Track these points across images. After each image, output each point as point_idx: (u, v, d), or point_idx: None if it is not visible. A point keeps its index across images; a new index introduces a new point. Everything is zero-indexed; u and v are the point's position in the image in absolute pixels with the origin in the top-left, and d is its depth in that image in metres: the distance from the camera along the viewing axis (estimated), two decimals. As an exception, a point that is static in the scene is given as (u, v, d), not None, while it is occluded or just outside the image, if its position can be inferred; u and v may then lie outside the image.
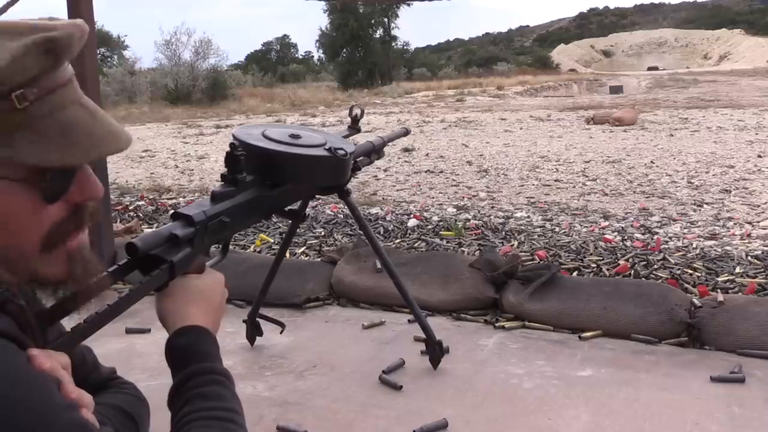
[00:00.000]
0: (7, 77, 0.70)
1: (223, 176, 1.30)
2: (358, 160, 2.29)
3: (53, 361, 0.75)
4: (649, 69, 73.80)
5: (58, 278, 0.81)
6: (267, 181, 1.55)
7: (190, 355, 0.94)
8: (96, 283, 0.85)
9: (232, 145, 1.32)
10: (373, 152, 2.43)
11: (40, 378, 0.70)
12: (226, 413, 0.89)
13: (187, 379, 0.92)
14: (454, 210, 5.80)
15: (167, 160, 10.13)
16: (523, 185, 7.15)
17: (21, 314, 0.76)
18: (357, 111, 2.37)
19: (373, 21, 48.58)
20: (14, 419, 0.64)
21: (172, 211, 1.14)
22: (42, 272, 0.79)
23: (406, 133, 2.85)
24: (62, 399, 0.72)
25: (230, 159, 1.29)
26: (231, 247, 1.31)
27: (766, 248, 4.17)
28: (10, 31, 0.73)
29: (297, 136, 1.81)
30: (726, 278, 3.42)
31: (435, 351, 2.51)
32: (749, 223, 5.06)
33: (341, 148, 1.87)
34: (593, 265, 3.72)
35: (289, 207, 1.83)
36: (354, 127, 2.36)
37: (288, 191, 1.67)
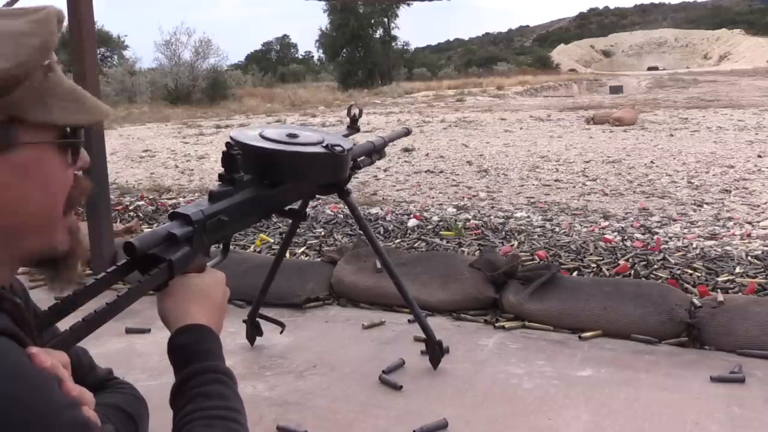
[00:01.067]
0: (51, 48, 0.76)
1: (220, 176, 1.30)
2: (359, 159, 2.30)
3: (54, 359, 0.75)
4: (649, 69, 73.77)
5: (65, 250, 0.84)
6: (265, 180, 1.55)
7: (192, 353, 0.94)
8: (76, 268, 0.88)
9: (228, 144, 1.32)
10: (374, 152, 2.43)
11: (40, 376, 0.69)
12: (227, 412, 0.88)
13: (189, 378, 0.91)
14: (454, 210, 5.80)
15: (167, 160, 10.13)
16: (523, 185, 7.15)
17: (17, 311, 0.76)
18: (355, 111, 2.37)
19: (373, 21, 48.55)
20: (14, 417, 0.63)
21: (170, 212, 1.13)
22: (57, 241, 0.83)
23: (407, 133, 2.85)
24: (63, 397, 0.71)
25: (227, 158, 1.29)
26: (231, 247, 1.31)
27: (766, 248, 4.17)
28: (13, 13, 0.78)
29: (294, 135, 1.82)
30: (726, 278, 3.42)
31: (435, 351, 2.51)
32: (749, 223, 5.06)
33: (338, 145, 1.88)
34: (593, 265, 3.72)
35: (289, 207, 1.83)
36: (353, 127, 2.37)
37: (287, 190, 1.68)
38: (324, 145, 1.85)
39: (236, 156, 1.29)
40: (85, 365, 1.03)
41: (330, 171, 1.95)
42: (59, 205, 0.81)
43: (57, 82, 0.78)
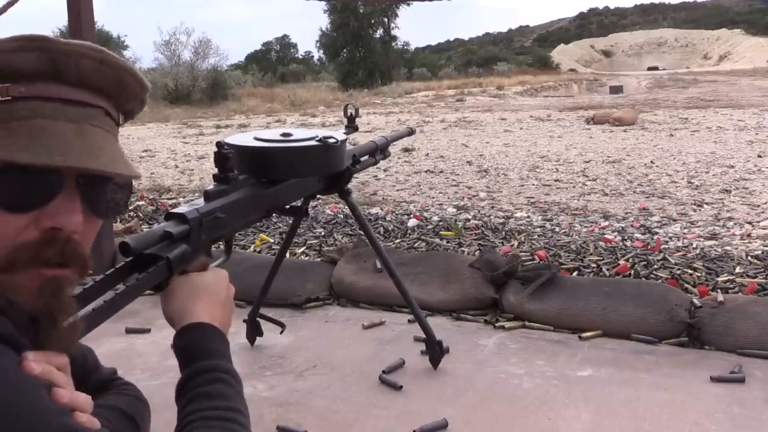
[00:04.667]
0: None
1: (215, 176, 1.31)
2: (362, 159, 2.31)
3: (45, 365, 0.73)
4: (649, 69, 73.69)
5: (32, 309, 0.76)
6: (262, 179, 1.57)
7: (195, 352, 0.93)
8: (66, 330, 0.79)
9: (218, 143, 1.33)
10: (377, 151, 2.44)
11: (28, 383, 0.69)
12: (228, 413, 0.87)
13: (190, 378, 0.91)
14: (454, 210, 5.80)
15: (167, 160, 10.13)
16: (523, 185, 7.15)
17: (9, 310, 0.74)
18: (351, 110, 2.38)
19: (373, 21, 48.52)
20: (1, 425, 0.63)
21: (165, 213, 1.13)
22: (8, 296, 0.75)
23: (411, 132, 2.86)
24: (52, 404, 0.70)
25: (219, 158, 1.31)
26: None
27: (766, 248, 4.17)
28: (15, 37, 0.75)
29: (288, 134, 1.86)
30: (726, 278, 3.42)
31: (435, 351, 2.51)
32: (749, 223, 5.06)
33: (331, 137, 1.90)
34: (593, 265, 3.72)
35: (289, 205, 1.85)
36: (351, 126, 2.37)
37: (286, 188, 1.69)
38: (317, 139, 1.87)
39: (228, 155, 1.30)
40: (90, 365, 1.02)
41: (326, 163, 1.97)
42: None
43: (18, 113, 0.73)
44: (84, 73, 0.78)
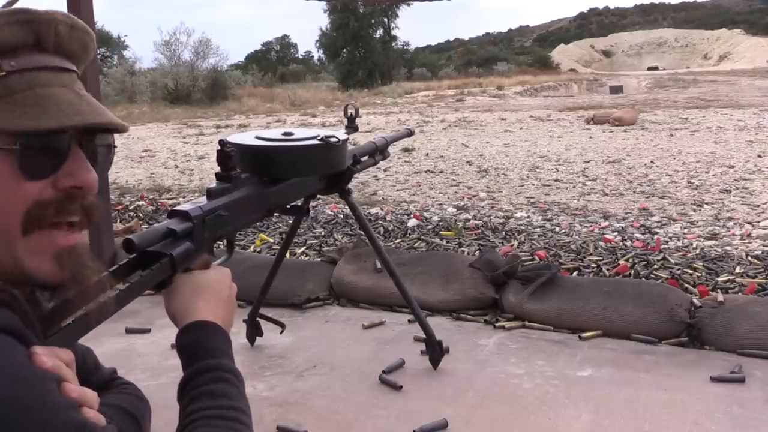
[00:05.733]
0: None
1: (217, 174, 1.31)
2: (362, 160, 2.31)
3: (55, 359, 0.74)
4: (649, 69, 73.68)
5: (47, 279, 0.78)
6: (264, 178, 1.57)
7: (198, 351, 0.93)
8: (94, 286, 0.82)
9: (221, 142, 1.33)
10: (377, 152, 2.44)
11: (39, 377, 0.69)
12: (231, 412, 0.87)
13: (193, 376, 0.90)
14: (454, 210, 5.80)
15: (167, 160, 10.14)
16: (523, 185, 7.16)
17: (15, 304, 0.74)
18: (351, 110, 2.38)
19: (373, 21, 48.54)
20: (11, 419, 0.63)
21: (168, 211, 1.13)
22: (27, 266, 0.77)
23: (410, 133, 2.85)
24: (62, 398, 0.71)
25: (222, 156, 1.30)
26: (230, 246, 1.31)
27: (766, 248, 4.17)
28: None
29: (289, 134, 1.87)
30: (726, 278, 3.42)
31: (435, 351, 2.51)
32: (749, 223, 5.06)
33: (333, 136, 1.91)
34: (593, 265, 3.72)
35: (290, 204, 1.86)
36: (351, 126, 2.37)
37: (287, 187, 1.70)
38: (319, 138, 1.88)
39: (231, 153, 1.30)
40: (90, 365, 1.02)
41: (327, 163, 1.97)
42: (9, 218, 0.75)
43: (14, 86, 0.75)
44: (60, 40, 0.80)
